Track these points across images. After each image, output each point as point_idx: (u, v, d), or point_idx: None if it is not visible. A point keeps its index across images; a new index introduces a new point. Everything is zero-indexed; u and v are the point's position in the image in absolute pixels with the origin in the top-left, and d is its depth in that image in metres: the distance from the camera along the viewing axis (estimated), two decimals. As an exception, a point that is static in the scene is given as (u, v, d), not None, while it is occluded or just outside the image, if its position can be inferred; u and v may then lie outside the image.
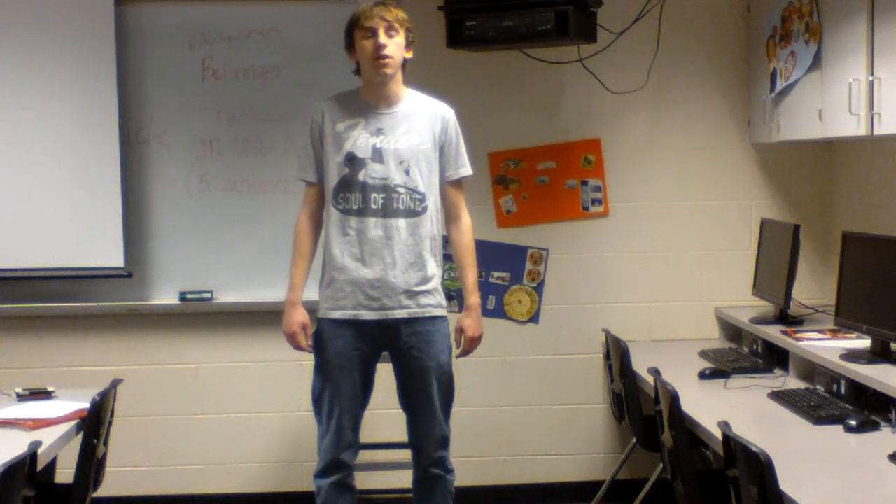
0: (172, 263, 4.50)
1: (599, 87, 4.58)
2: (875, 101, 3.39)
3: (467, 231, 3.54)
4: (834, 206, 4.64)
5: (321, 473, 3.45)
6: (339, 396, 3.41)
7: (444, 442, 3.51)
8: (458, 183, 3.53)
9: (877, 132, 3.41)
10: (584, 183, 4.66)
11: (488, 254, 4.61)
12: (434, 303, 3.44)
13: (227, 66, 4.47)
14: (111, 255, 4.40)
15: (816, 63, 3.84)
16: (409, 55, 3.45)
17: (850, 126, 3.54)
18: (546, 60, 4.56)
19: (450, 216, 3.55)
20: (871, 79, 3.42)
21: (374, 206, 3.37)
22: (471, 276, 3.52)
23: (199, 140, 4.49)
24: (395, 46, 3.36)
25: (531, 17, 4.05)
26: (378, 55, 3.34)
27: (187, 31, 4.44)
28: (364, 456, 3.83)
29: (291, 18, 4.47)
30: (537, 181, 4.65)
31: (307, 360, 3.99)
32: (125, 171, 4.42)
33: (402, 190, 3.37)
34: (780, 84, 4.14)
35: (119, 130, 4.38)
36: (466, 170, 3.52)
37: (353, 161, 3.39)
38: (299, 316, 3.47)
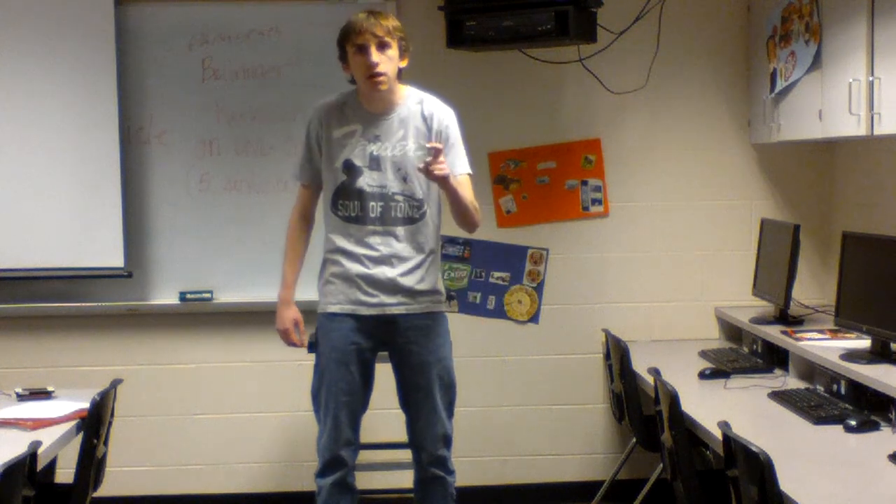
0: (172, 263, 4.50)
1: (599, 87, 4.58)
2: (875, 101, 3.39)
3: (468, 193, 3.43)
4: (834, 206, 4.64)
5: (321, 473, 3.45)
6: (336, 391, 3.40)
7: (447, 440, 3.49)
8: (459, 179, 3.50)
9: (877, 132, 3.41)
10: (584, 183, 4.66)
11: (488, 254, 4.61)
12: (433, 300, 3.44)
13: (227, 66, 4.47)
14: (111, 255, 4.40)
15: (816, 63, 3.84)
16: (403, 64, 3.39)
17: (850, 126, 3.54)
18: (546, 60, 4.56)
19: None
20: (871, 79, 3.42)
21: (372, 215, 3.36)
22: (462, 187, 3.35)
23: (199, 140, 4.49)
24: (387, 61, 3.31)
25: (531, 17, 4.05)
26: (370, 73, 3.30)
27: (187, 31, 4.44)
28: (364, 456, 3.83)
29: (291, 18, 4.47)
30: (537, 181, 4.65)
31: (307, 360, 4.00)
32: (125, 171, 4.42)
33: (399, 198, 3.36)
34: (780, 84, 4.14)
35: (119, 130, 4.39)
36: (464, 167, 3.45)
37: (350, 169, 3.38)
38: (291, 313, 3.50)
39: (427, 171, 3.19)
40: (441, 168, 3.19)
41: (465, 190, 3.40)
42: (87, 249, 4.40)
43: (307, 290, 3.58)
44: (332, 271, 3.43)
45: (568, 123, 4.64)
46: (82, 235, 4.40)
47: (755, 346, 4.18)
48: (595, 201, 4.67)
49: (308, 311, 3.54)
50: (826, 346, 3.67)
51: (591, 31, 4.22)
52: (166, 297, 4.52)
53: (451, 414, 3.51)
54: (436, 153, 3.17)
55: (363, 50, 3.30)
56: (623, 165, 4.65)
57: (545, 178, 4.65)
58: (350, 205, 3.38)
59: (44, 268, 4.41)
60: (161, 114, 4.47)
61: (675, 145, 4.67)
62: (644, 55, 4.56)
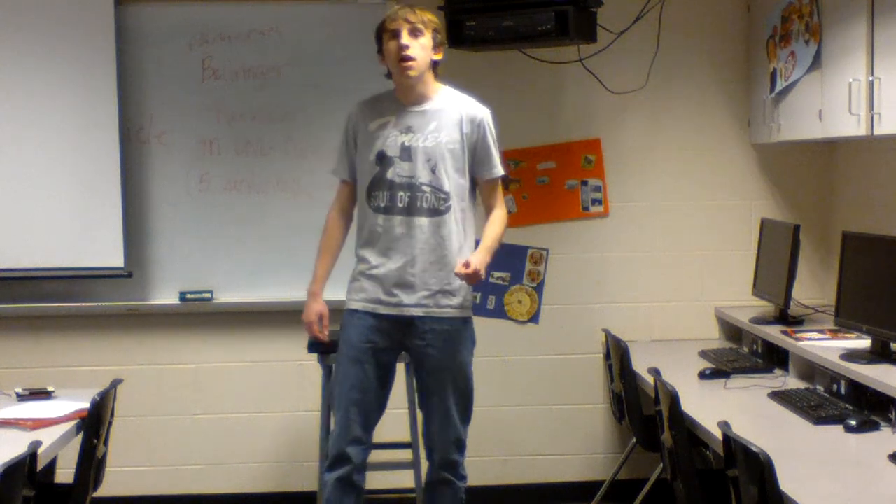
0: (172, 263, 4.50)
1: (599, 87, 4.58)
2: (875, 101, 3.39)
3: (494, 219, 3.46)
4: (834, 206, 4.64)
5: (328, 467, 3.44)
6: (347, 388, 3.40)
7: (459, 445, 3.49)
8: (492, 182, 3.48)
9: (877, 132, 3.41)
10: (584, 183, 4.66)
11: (488, 254, 4.61)
12: (455, 304, 3.40)
13: (227, 66, 4.47)
14: (111, 255, 4.40)
15: (816, 63, 3.84)
16: (437, 56, 3.41)
17: (850, 126, 3.54)
18: (546, 60, 4.56)
19: (485, 212, 3.52)
20: (871, 79, 3.42)
21: (399, 205, 3.36)
22: (486, 242, 3.40)
23: (198, 140, 4.48)
24: (418, 48, 3.33)
25: (531, 17, 4.05)
26: (401, 57, 3.32)
27: (187, 31, 4.44)
28: (364, 456, 3.83)
29: (291, 18, 4.46)
30: (537, 181, 4.65)
31: (307, 360, 4.01)
32: (125, 171, 4.42)
33: (426, 189, 3.36)
34: (780, 84, 4.14)
35: (119, 130, 4.38)
36: (498, 170, 3.46)
37: (383, 159, 3.38)
38: (317, 306, 3.50)
39: (467, 279, 3.28)
40: (478, 277, 3.26)
41: (495, 231, 3.43)
42: (87, 249, 4.40)
43: (334, 291, 3.56)
44: (359, 269, 3.45)
45: (568, 123, 4.65)
46: (82, 235, 4.40)
47: (755, 346, 4.18)
48: (595, 201, 4.67)
49: (337, 309, 3.52)
50: (826, 346, 3.67)
51: (591, 31, 4.22)
52: (166, 297, 4.52)
53: (465, 420, 3.50)
54: (466, 268, 3.23)
55: (396, 35, 3.33)
56: (623, 165, 4.65)
57: (545, 178, 4.65)
58: (381, 195, 3.38)
59: (44, 268, 4.40)
60: (161, 114, 4.47)
61: (675, 145, 4.67)
62: (644, 55, 4.56)
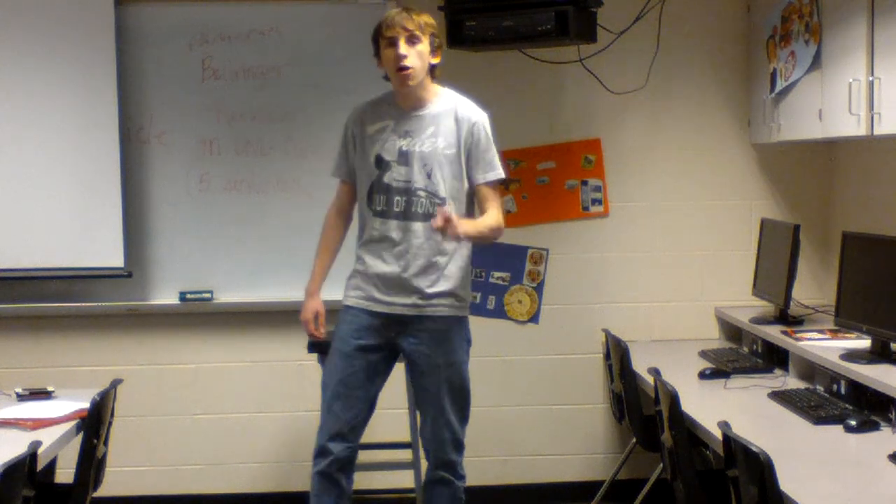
0: (172, 263, 4.50)
1: (599, 87, 4.58)
2: (875, 101, 3.39)
3: (487, 213, 3.41)
4: (834, 206, 4.64)
5: (314, 459, 3.44)
6: (334, 382, 3.41)
7: (456, 444, 3.49)
8: (488, 186, 3.45)
9: (877, 132, 3.41)
10: (584, 183, 4.66)
11: (488, 254, 4.60)
12: (448, 303, 3.41)
13: (227, 66, 4.46)
14: (111, 255, 4.40)
15: (816, 63, 3.84)
16: (435, 61, 3.40)
17: (850, 126, 3.54)
18: (546, 60, 4.56)
19: (481, 213, 3.50)
20: (871, 79, 3.42)
21: (396, 209, 3.37)
22: (475, 222, 3.37)
23: (198, 140, 4.48)
24: (416, 56, 3.32)
25: (531, 17, 4.05)
26: (398, 66, 3.32)
27: (187, 31, 4.44)
28: (364, 456, 3.83)
29: (291, 18, 4.46)
30: (537, 181, 4.65)
31: (307, 360, 4.00)
32: (125, 171, 4.42)
33: (422, 193, 3.36)
34: (780, 84, 4.14)
35: (119, 130, 4.38)
36: (495, 174, 3.43)
37: (380, 163, 3.39)
38: (314, 304, 3.52)
39: (441, 232, 3.20)
40: (454, 232, 3.19)
41: (487, 221, 3.37)
42: (87, 249, 4.40)
43: (333, 291, 3.57)
44: (356, 267, 3.47)
45: (568, 123, 4.65)
46: (82, 235, 4.40)
47: (755, 346, 4.18)
48: (595, 201, 4.67)
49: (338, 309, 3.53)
50: (826, 346, 3.67)
51: (591, 31, 4.22)
52: (166, 297, 4.52)
53: (462, 419, 3.50)
54: (446, 219, 3.15)
55: (393, 43, 3.32)
56: (623, 165, 4.65)
57: (545, 178, 4.65)
58: (378, 199, 3.39)
59: (44, 268, 4.40)
60: (161, 114, 4.46)
61: (675, 145, 4.67)
62: (644, 55, 4.56)
